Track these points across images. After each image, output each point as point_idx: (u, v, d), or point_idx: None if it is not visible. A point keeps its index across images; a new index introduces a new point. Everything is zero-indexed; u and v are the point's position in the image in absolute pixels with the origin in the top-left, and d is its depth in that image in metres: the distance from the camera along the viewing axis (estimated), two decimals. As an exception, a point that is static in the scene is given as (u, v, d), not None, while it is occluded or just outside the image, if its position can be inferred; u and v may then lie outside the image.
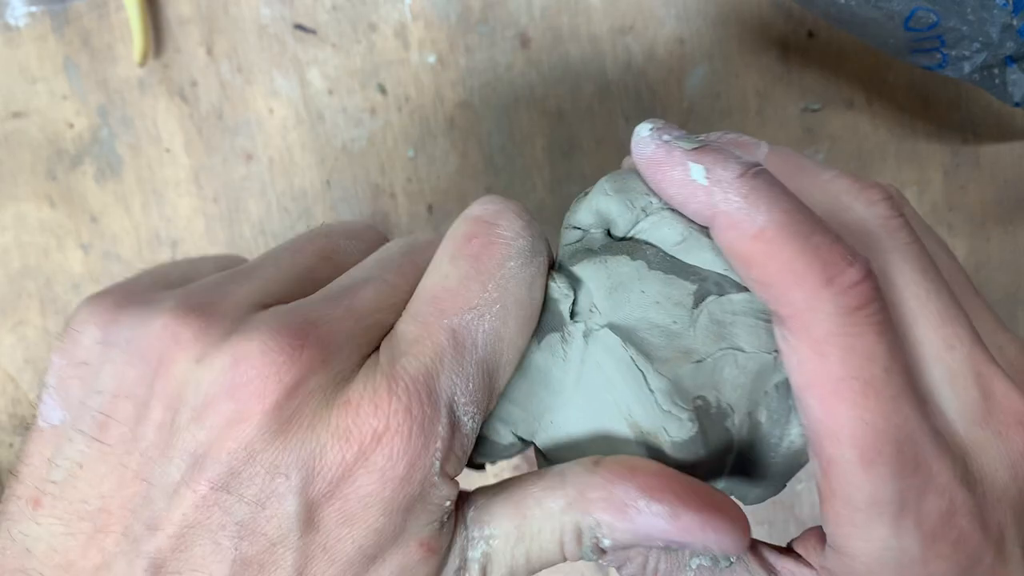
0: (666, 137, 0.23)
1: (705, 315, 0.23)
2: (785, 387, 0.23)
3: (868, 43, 0.36)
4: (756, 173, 0.22)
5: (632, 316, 0.23)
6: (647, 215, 0.24)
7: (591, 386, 0.23)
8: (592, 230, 0.25)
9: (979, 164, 0.42)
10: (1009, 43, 0.33)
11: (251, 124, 0.43)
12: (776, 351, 0.23)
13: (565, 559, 0.23)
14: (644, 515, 0.22)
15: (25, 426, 0.44)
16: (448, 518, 0.22)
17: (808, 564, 0.24)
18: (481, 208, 0.24)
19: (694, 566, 0.24)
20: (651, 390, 0.23)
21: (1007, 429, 0.22)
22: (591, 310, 0.24)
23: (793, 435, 0.23)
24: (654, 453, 0.23)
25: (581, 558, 0.23)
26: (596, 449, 0.24)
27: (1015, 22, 0.33)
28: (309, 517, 0.20)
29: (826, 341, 0.21)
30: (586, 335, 0.23)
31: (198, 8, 0.42)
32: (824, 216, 0.22)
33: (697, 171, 0.22)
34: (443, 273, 0.23)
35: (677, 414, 0.22)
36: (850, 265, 0.21)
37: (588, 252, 0.25)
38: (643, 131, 0.23)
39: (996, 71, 0.35)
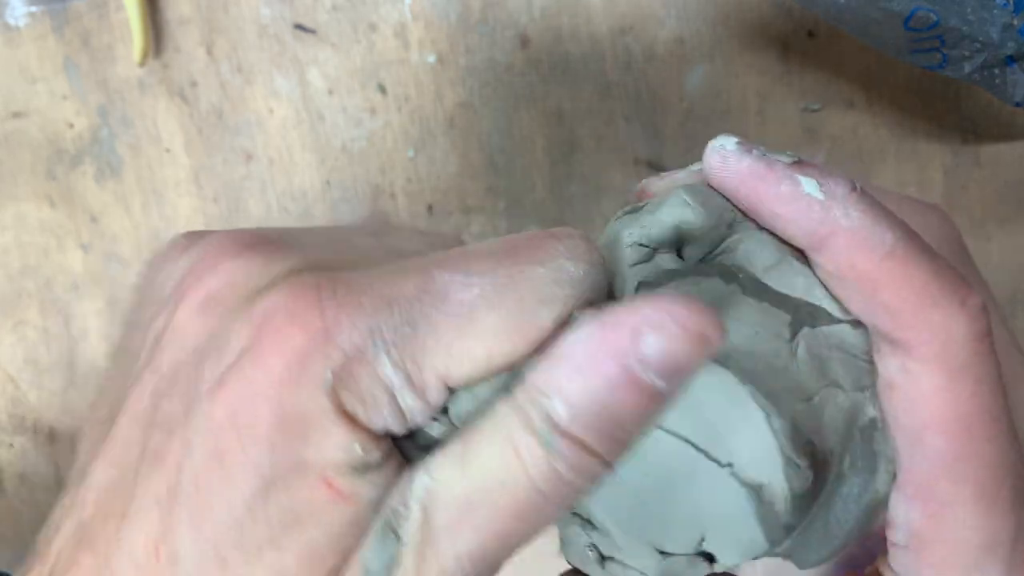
0: (757, 151, 0.21)
1: (803, 348, 0.20)
2: (869, 430, 0.21)
3: (868, 43, 0.36)
4: (863, 189, 0.20)
5: (734, 348, 0.20)
6: (732, 234, 0.22)
7: (673, 429, 0.20)
8: (662, 249, 0.22)
9: (979, 164, 0.42)
10: (1009, 43, 0.33)
11: (251, 124, 0.43)
12: (866, 389, 0.21)
13: (529, 475, 0.19)
14: (572, 335, 0.18)
15: (25, 426, 0.44)
16: (373, 470, 0.19)
17: None
18: (559, 227, 0.21)
19: None
20: (773, 432, 0.19)
21: None
22: None
23: (878, 484, 0.21)
24: (764, 510, 0.19)
25: (549, 462, 0.18)
26: (682, 513, 0.20)
27: (1015, 22, 0.33)
28: (208, 411, 0.18)
29: (961, 370, 0.20)
30: None
31: (198, 8, 0.42)
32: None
33: (810, 185, 0.20)
34: (471, 246, 0.21)
35: (798, 461, 0.19)
36: (971, 288, 0.20)
37: (671, 273, 0.21)
38: (728, 144, 0.21)
39: (996, 71, 0.35)
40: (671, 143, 0.42)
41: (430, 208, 0.43)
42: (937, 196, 0.42)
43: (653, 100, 0.42)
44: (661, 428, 0.20)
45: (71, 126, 0.43)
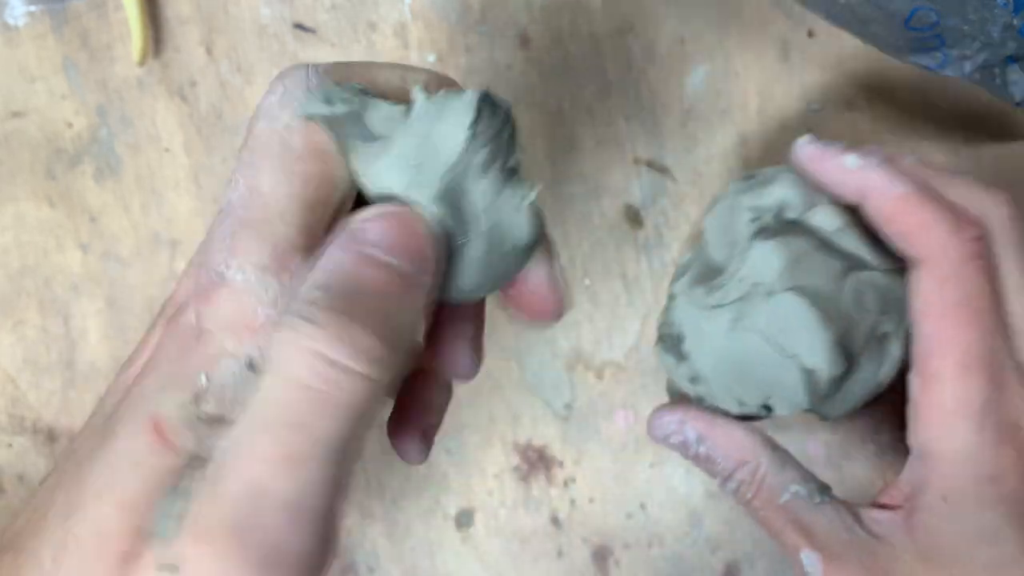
0: (823, 142, 0.31)
1: (849, 287, 0.30)
2: (883, 339, 0.31)
3: (868, 43, 0.36)
4: (892, 159, 0.30)
5: (807, 283, 0.30)
6: (813, 206, 0.31)
7: (762, 330, 0.30)
8: (766, 213, 0.32)
9: (980, 164, 0.42)
10: (1010, 43, 0.33)
11: (251, 124, 0.43)
12: (887, 312, 0.30)
13: (306, 366, 0.22)
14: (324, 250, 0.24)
15: (24, 426, 0.44)
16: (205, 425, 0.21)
17: (891, 507, 0.29)
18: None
19: (791, 490, 0.30)
20: (826, 340, 0.29)
21: None
22: (779, 277, 0.30)
23: (882, 372, 0.31)
24: (812, 386, 0.30)
25: (317, 349, 0.21)
26: (760, 375, 0.30)
27: (1016, 22, 0.33)
28: None
29: (947, 276, 0.28)
30: (770, 293, 0.30)
31: (198, 8, 0.42)
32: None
33: (851, 160, 0.30)
34: None
35: (838, 360, 0.30)
36: (972, 224, 0.29)
37: (769, 231, 0.31)
38: (804, 139, 0.31)
39: (997, 71, 0.35)
40: (671, 143, 0.42)
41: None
42: (937, 196, 0.42)
43: (653, 100, 0.42)
44: (754, 330, 0.30)
45: (70, 126, 0.43)
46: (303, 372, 0.21)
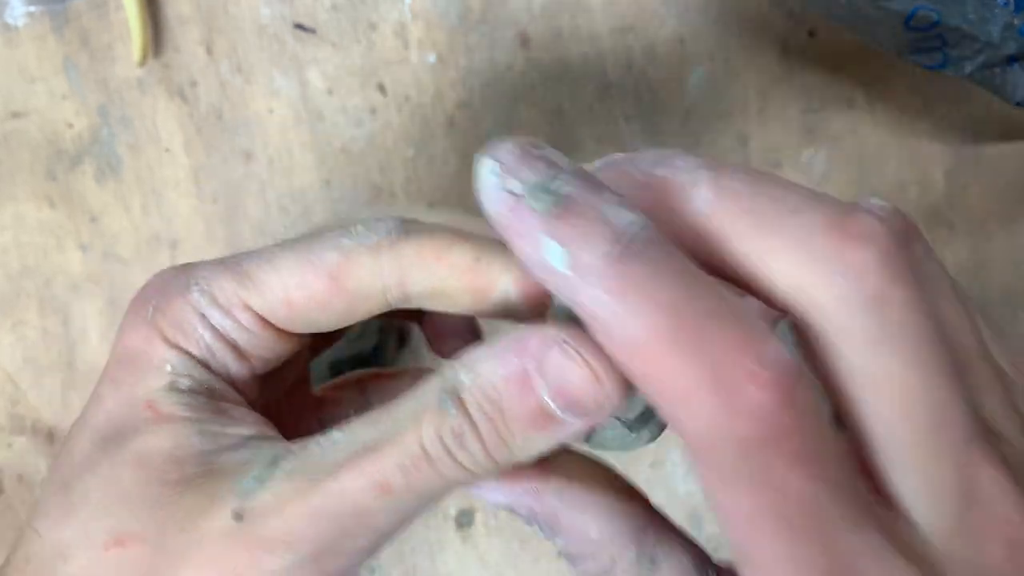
0: (515, 187, 0.17)
1: None
2: None
3: (868, 43, 0.36)
4: (628, 250, 0.16)
5: None
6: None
7: None
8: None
9: (980, 164, 0.42)
10: (1010, 42, 0.33)
11: (250, 124, 0.43)
12: None
13: (421, 429, 0.20)
14: (512, 332, 0.20)
15: (24, 426, 0.44)
16: (190, 395, 0.24)
17: None
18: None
19: None
20: None
21: (985, 541, 0.17)
22: None
23: None
24: None
25: (438, 424, 0.20)
26: None
27: (1016, 21, 0.33)
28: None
29: (732, 473, 0.16)
30: None
31: (198, 7, 0.42)
32: (796, 271, 0.17)
33: (554, 251, 0.16)
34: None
35: None
36: (754, 382, 0.16)
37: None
38: (484, 171, 0.17)
39: (997, 70, 0.35)
40: (671, 143, 0.42)
41: (431, 208, 0.43)
42: (938, 196, 0.42)
43: (653, 100, 0.42)
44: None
45: (71, 126, 0.43)
46: (415, 444, 0.21)
